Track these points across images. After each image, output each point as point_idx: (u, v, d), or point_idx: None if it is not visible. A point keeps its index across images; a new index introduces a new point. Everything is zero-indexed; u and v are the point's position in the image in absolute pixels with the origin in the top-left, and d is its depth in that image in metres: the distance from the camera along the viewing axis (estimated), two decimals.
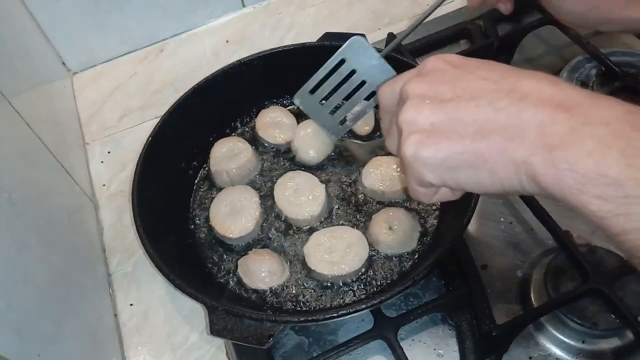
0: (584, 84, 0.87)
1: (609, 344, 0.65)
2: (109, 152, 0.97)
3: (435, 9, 0.67)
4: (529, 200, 0.74)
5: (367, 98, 0.71)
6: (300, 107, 0.77)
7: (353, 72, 0.70)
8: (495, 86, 0.40)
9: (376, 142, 0.84)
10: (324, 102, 0.75)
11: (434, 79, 0.43)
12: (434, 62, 0.45)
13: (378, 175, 0.77)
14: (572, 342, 0.66)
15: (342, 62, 0.70)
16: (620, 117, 0.36)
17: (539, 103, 0.38)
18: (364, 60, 0.69)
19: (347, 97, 0.72)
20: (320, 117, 0.78)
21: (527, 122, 0.38)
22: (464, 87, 0.41)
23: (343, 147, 0.84)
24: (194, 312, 0.77)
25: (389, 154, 0.79)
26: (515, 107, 0.38)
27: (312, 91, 0.74)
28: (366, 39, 0.69)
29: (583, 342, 0.66)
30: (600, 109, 0.37)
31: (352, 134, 0.85)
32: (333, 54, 0.70)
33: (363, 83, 0.70)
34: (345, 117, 0.77)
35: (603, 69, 0.87)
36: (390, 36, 0.96)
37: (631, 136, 0.35)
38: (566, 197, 0.36)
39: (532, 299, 0.69)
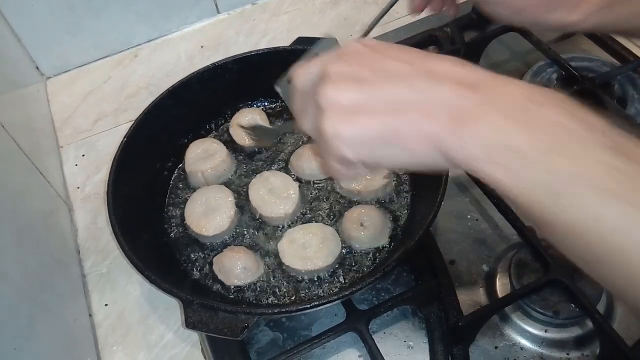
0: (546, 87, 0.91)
1: (570, 332, 0.68)
2: (83, 155, 0.97)
3: (390, 8, 0.74)
4: (495, 198, 0.77)
5: None
6: (281, 94, 0.81)
7: None
8: (412, 68, 0.43)
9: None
10: None
11: (354, 61, 0.45)
12: (354, 46, 0.47)
13: None
14: (535, 332, 0.69)
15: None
16: (524, 94, 0.39)
17: (452, 83, 0.41)
18: None
19: None
20: None
21: (440, 100, 0.40)
22: (382, 69, 0.43)
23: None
24: (169, 310, 0.78)
25: None
26: (430, 86, 0.41)
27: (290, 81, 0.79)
28: (337, 41, 0.73)
29: (546, 331, 0.69)
30: (505, 86, 0.40)
31: None
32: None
33: None
34: None
35: (563, 73, 0.92)
36: None
37: (530, 108, 0.38)
38: (473, 168, 0.39)
39: (498, 291, 0.72)
